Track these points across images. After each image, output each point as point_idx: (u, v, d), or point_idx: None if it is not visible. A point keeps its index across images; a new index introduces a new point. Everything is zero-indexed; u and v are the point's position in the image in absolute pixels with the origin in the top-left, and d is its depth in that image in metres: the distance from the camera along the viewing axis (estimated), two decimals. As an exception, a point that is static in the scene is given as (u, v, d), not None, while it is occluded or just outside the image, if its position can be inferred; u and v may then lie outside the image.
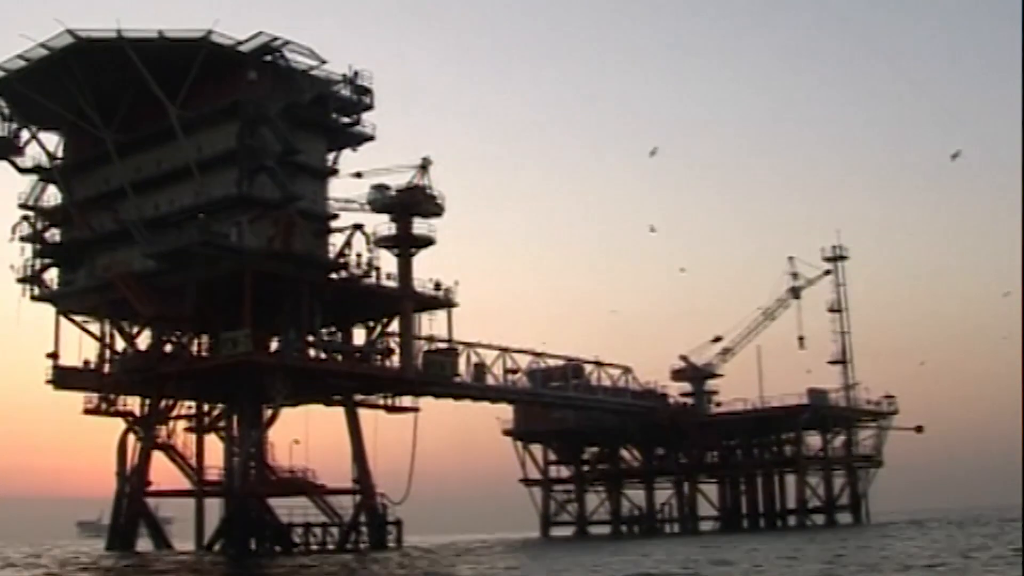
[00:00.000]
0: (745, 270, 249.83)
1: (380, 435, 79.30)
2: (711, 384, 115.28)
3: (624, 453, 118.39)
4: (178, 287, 71.54)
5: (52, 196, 79.44)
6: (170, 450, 76.49)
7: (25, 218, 78.83)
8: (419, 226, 78.12)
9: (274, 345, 73.56)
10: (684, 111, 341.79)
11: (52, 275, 79.45)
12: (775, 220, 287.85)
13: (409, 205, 77.67)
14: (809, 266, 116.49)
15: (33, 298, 78.51)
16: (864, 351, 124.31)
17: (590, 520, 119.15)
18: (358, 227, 74.02)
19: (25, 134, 77.20)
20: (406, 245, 77.84)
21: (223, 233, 68.56)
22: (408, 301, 77.77)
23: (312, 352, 74.88)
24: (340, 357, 77.53)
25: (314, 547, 74.91)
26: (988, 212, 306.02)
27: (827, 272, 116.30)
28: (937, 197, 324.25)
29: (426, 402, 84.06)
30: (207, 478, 79.22)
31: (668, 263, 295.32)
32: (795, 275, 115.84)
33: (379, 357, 78.79)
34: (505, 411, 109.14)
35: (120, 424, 77.24)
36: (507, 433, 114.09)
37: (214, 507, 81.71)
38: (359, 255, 74.29)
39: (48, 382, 77.23)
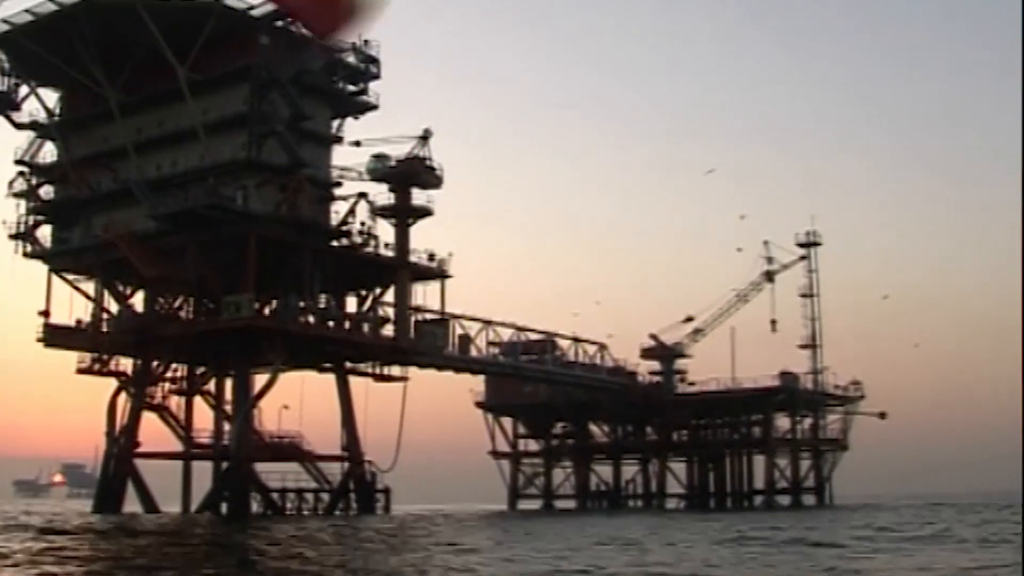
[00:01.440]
0: (721, 252, 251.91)
1: (366, 403, 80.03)
2: (680, 364, 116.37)
3: (593, 428, 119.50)
4: (178, 249, 71.45)
5: (49, 153, 78.91)
6: (163, 411, 76.18)
7: (21, 174, 78.23)
8: (417, 197, 78.56)
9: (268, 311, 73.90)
10: (670, 96, 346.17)
11: (45, 232, 78.91)
12: (752, 204, 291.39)
13: (408, 176, 77.87)
14: (784, 251, 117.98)
15: (25, 255, 77.97)
16: (833, 336, 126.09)
17: (557, 494, 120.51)
18: (363, 195, 74.24)
19: (23, 89, 76.43)
20: (404, 215, 78.19)
21: (231, 197, 68.58)
22: (404, 271, 78.22)
23: (311, 319, 75.11)
24: (332, 324, 77.89)
25: (305, 512, 75.58)
26: (960, 202, 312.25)
27: (802, 257, 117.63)
28: (913, 187, 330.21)
29: (408, 372, 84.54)
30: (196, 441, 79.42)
31: (646, 243, 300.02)
32: (770, 259, 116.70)
33: (370, 326, 79.23)
34: (478, 383, 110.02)
35: (103, 386, 76.84)
36: (479, 405, 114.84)
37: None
38: (362, 223, 74.66)
39: (39, 340, 76.90)
